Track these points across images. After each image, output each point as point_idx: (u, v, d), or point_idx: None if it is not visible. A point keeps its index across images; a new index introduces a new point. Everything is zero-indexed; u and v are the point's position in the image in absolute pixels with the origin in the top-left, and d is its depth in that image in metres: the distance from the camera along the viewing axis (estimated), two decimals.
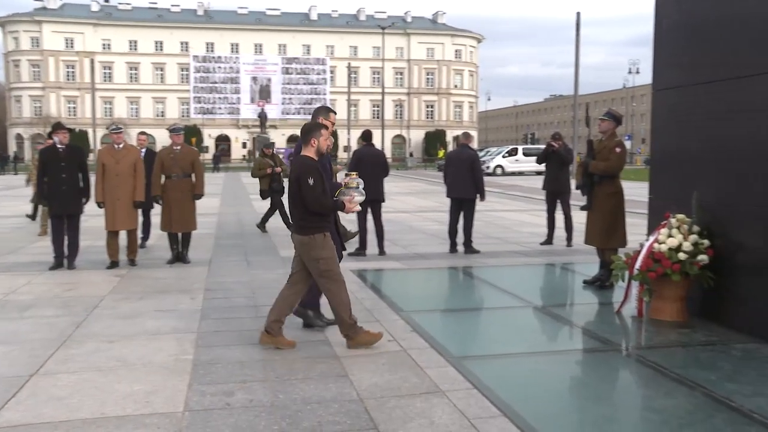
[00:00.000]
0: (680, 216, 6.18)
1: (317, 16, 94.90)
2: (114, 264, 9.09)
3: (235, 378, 4.64)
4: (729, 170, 5.97)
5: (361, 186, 5.49)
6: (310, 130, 5.38)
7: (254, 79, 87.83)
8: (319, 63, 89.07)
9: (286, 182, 11.04)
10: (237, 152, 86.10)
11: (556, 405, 4.32)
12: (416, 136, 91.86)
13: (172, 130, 9.39)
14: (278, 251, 10.67)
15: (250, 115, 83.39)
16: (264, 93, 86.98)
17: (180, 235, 9.51)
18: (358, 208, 5.46)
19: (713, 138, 6.17)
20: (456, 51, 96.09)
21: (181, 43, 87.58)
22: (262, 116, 62.20)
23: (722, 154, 6.06)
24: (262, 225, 13.46)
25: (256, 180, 13.68)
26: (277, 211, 13.25)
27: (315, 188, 5.20)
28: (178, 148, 9.35)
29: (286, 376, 4.69)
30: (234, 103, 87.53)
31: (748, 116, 5.74)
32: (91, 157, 48.07)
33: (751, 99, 5.71)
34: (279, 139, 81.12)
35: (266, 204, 13.79)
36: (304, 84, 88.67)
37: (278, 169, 13.30)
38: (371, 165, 9.93)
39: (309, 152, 5.35)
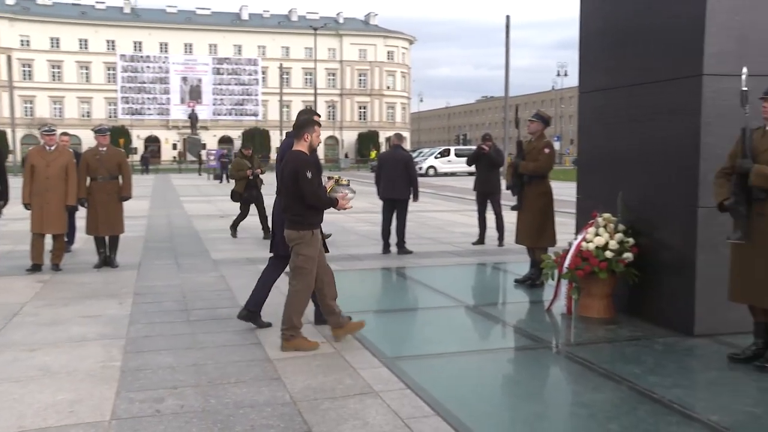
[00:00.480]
0: (606, 215, 6.36)
1: (248, 16, 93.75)
2: (36, 267, 8.76)
3: (166, 384, 4.53)
4: (651, 170, 6.18)
5: (352, 185, 5.60)
6: (303, 125, 5.39)
7: (184, 79, 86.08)
8: (250, 63, 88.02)
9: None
10: (167, 154, 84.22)
11: (489, 403, 4.38)
12: (349, 137, 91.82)
13: (98, 131, 9.12)
14: (210, 254, 10.49)
15: (181, 116, 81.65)
16: (194, 93, 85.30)
17: (107, 238, 9.24)
18: (351, 205, 5.54)
19: (636, 139, 6.38)
20: (388, 52, 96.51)
21: (107, 42, 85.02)
22: (193, 117, 61.06)
23: (645, 155, 6.27)
24: (233, 230, 12.83)
25: (190, 182, 13.41)
26: (244, 216, 12.70)
27: (313, 182, 5.22)
28: (104, 149, 9.09)
29: (219, 380, 4.61)
30: (164, 104, 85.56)
31: (667, 119, 5.96)
32: (11, 158, 46.23)
33: (668, 102, 5.93)
34: (210, 140, 79.72)
35: (203, 207, 13.54)
36: (236, 85, 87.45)
37: (258, 171, 12.65)
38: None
39: (302, 147, 5.37)
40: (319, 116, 5.64)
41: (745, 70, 4.87)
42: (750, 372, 4.80)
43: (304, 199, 5.22)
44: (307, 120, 5.44)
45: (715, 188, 5.05)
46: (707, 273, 5.63)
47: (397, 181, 10.34)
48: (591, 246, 6.18)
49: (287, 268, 5.77)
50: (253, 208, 12.64)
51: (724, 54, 5.56)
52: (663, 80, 6.01)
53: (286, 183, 5.34)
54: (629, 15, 6.45)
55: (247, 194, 12.66)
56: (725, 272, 5.11)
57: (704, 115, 5.56)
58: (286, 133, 6.25)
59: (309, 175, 5.19)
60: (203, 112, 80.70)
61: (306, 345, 5.34)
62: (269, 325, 5.97)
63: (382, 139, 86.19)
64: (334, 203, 5.40)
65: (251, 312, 6.03)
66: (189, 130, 65.09)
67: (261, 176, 12.85)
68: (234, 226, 12.83)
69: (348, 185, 5.55)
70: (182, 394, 4.34)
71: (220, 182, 35.41)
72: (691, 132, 5.65)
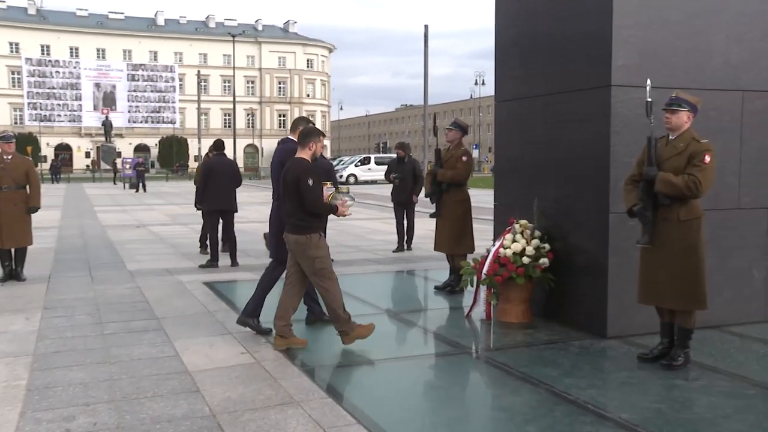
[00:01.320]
0: (523, 221, 6.52)
1: (164, 22, 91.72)
2: None
3: (77, 401, 4.35)
4: (565, 177, 6.38)
5: (351, 193, 5.85)
6: (309, 134, 5.54)
7: (97, 85, 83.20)
8: (167, 70, 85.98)
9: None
10: (80, 162, 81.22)
11: (410, 409, 4.40)
12: (269, 146, 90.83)
13: (2, 138, 8.69)
14: (126, 265, 10.17)
15: (94, 123, 78.79)
16: (108, 100, 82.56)
17: (13, 250, 8.82)
18: (350, 212, 5.70)
19: (550, 147, 6.57)
20: (308, 60, 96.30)
21: (11, 44, 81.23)
22: (107, 124, 59.23)
23: (558, 163, 6.46)
24: (203, 245, 11.44)
25: (104, 191, 12.91)
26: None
27: (315, 189, 5.38)
28: (9, 157, 8.68)
29: (134, 395, 4.47)
30: (75, 110, 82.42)
31: (578, 127, 6.17)
32: None
33: (580, 111, 6.14)
34: (126, 148, 77.51)
35: (118, 216, 13.07)
36: (152, 92, 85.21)
37: None
38: (221, 175, 9.78)
39: (305, 155, 5.50)
40: (324, 136, 5.80)
41: (649, 82, 5.09)
42: (657, 370, 5.01)
43: (304, 201, 5.36)
44: (313, 130, 5.62)
45: (624, 194, 5.26)
46: (618, 276, 5.84)
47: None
48: (508, 252, 6.31)
49: (284, 274, 5.92)
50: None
51: (630, 67, 5.81)
52: (575, 90, 6.22)
53: (289, 188, 5.45)
54: (543, 27, 6.64)
55: None
56: (635, 275, 5.32)
57: (613, 124, 5.78)
58: (282, 139, 6.34)
59: (310, 182, 5.35)
60: (118, 120, 78.25)
61: (364, 330, 5.61)
62: (269, 331, 5.92)
63: None
64: (333, 210, 5.53)
65: (248, 318, 6.07)
66: (103, 138, 63.02)
67: None
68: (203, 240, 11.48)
69: (348, 192, 5.77)
70: (95, 411, 4.18)
71: (137, 191, 34.45)
72: (602, 140, 5.86)
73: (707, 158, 4.85)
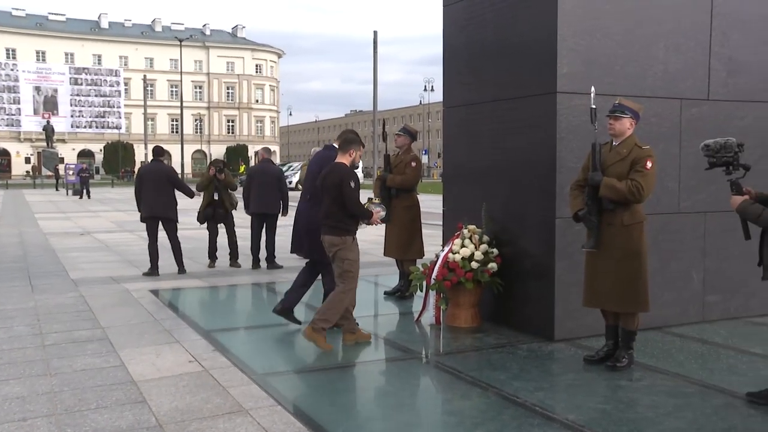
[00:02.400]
0: (471, 227, 6.58)
1: (108, 25, 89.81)
2: None
3: (13, 416, 4.19)
4: (512, 183, 6.46)
5: (383, 205, 6.47)
6: (351, 141, 5.85)
7: (37, 89, 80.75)
8: (112, 74, 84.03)
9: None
10: (19, 168, 78.83)
11: (360, 415, 4.39)
12: (217, 151, 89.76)
13: None
14: (68, 273, 9.91)
15: (34, 127, 76.44)
16: (50, 104, 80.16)
17: None
18: (381, 221, 6.13)
19: (498, 153, 6.65)
20: (257, 65, 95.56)
21: None
22: (48, 129, 57.56)
23: (506, 168, 6.54)
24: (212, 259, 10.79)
25: (46, 198, 12.48)
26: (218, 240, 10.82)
27: (355, 191, 5.70)
28: None
29: (76, 407, 4.34)
30: (13, 115, 79.79)
31: (525, 133, 6.26)
32: None
33: (526, 117, 6.24)
34: (69, 154, 75.52)
35: (61, 224, 12.70)
36: (96, 96, 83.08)
37: (222, 176, 10.45)
38: (152, 181, 9.57)
39: (345, 160, 5.81)
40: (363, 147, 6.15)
41: (593, 89, 5.21)
42: (602, 372, 5.11)
43: (345, 206, 5.63)
44: (355, 138, 5.93)
45: (570, 199, 5.35)
46: (565, 280, 5.95)
47: (268, 195, 10.21)
48: (457, 257, 6.36)
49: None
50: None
51: (574, 74, 5.93)
52: (521, 97, 6.32)
53: (329, 191, 5.72)
54: (490, 34, 6.73)
55: (211, 211, 10.61)
56: (581, 279, 5.43)
57: (559, 130, 5.89)
58: (325, 145, 6.75)
59: (352, 185, 5.66)
60: (60, 125, 76.08)
61: (323, 344, 5.70)
62: (299, 322, 6.29)
63: (251, 153, 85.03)
64: (369, 215, 5.86)
65: (285, 308, 6.43)
66: (44, 143, 61.26)
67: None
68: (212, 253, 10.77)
69: (380, 204, 6.38)
70: (33, 426, 4.04)
71: (80, 198, 33.62)
72: (548, 146, 5.97)
73: (649, 164, 4.98)
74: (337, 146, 6.01)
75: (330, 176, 5.75)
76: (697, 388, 4.79)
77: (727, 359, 5.53)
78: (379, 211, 6.10)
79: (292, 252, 6.81)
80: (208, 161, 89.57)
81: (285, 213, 10.47)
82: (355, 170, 5.88)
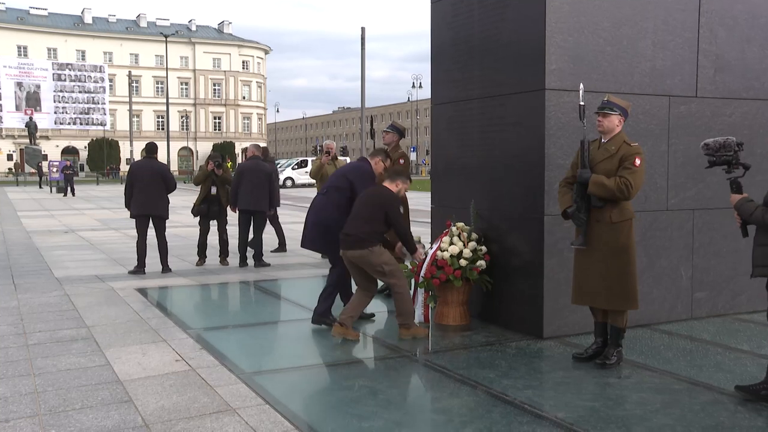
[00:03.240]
0: (460, 224, 6.58)
1: (92, 20, 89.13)
2: None
3: None
4: (501, 180, 6.48)
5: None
6: (400, 173, 6.22)
7: (19, 84, 79.73)
8: (96, 70, 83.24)
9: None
10: (1, 165, 78.15)
11: (349, 414, 4.39)
12: (204, 148, 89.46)
13: None
14: (52, 271, 9.84)
15: (17, 124, 75.62)
16: (32, 101, 79.26)
17: None
18: (421, 258, 6.35)
19: (486, 150, 6.66)
20: (243, 62, 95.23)
21: None
22: (31, 126, 57.16)
23: (494, 165, 6.56)
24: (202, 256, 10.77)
25: (29, 195, 12.36)
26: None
27: (402, 217, 6.10)
28: None
29: (61, 407, 4.31)
30: None
31: (514, 130, 6.27)
32: None
33: (515, 114, 6.25)
34: (52, 151, 75.04)
35: (45, 222, 12.59)
36: (80, 92, 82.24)
37: (220, 171, 10.34)
38: (145, 178, 9.50)
39: (392, 188, 6.07)
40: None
41: (582, 86, 5.22)
42: (591, 369, 5.14)
43: (380, 226, 5.88)
44: (405, 171, 6.37)
45: (559, 197, 5.37)
46: (554, 278, 5.97)
47: (257, 192, 10.17)
48: (446, 255, 6.37)
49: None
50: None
51: (562, 71, 5.95)
52: (510, 93, 6.33)
53: (369, 209, 5.91)
54: (478, 30, 6.73)
55: (206, 207, 10.47)
56: (570, 277, 5.45)
57: (547, 127, 5.90)
58: (360, 158, 6.94)
59: (401, 209, 6.05)
60: (43, 121, 75.33)
61: (420, 332, 6.10)
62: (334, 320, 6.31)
63: (238, 150, 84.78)
64: (414, 248, 6.11)
65: (321, 316, 6.50)
66: (27, 140, 60.82)
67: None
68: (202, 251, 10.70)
69: (419, 241, 6.50)
70: (15, 427, 4.01)
71: (64, 195, 33.39)
72: (536, 143, 5.98)
73: (638, 161, 5.00)
74: (369, 158, 6.50)
75: (374, 197, 5.99)
76: (685, 384, 4.82)
77: (715, 356, 5.57)
78: (422, 253, 6.31)
79: (302, 246, 6.78)
80: (195, 158, 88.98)
81: (272, 210, 10.43)
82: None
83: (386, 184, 6.13)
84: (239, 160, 72.12)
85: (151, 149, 9.95)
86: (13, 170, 67.23)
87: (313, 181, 11.34)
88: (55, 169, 40.62)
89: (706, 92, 6.70)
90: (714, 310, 6.86)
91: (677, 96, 6.55)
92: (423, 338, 6.06)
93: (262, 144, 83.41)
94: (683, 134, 6.60)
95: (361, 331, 6.31)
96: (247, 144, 12.18)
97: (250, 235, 10.43)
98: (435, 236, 7.09)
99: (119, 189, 12.22)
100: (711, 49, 6.70)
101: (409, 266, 6.74)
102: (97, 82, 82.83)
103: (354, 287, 6.35)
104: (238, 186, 10.25)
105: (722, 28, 6.75)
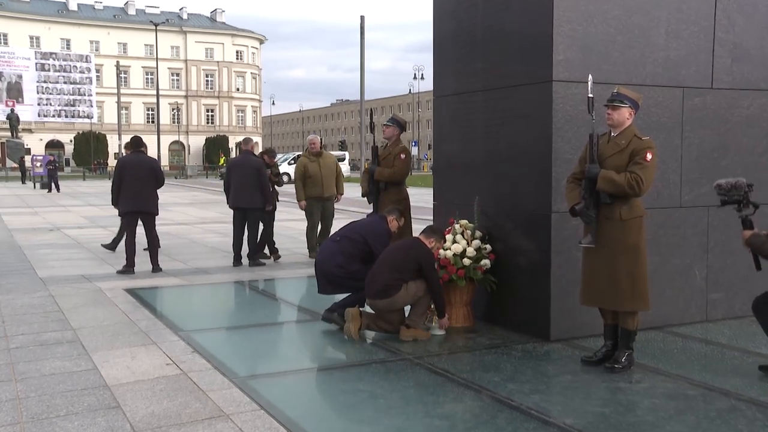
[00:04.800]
0: (463, 222, 6.60)
1: (77, 7, 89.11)
2: None
3: None
4: (506, 175, 6.49)
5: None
6: (437, 232, 6.36)
7: None
8: (82, 60, 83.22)
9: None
10: None
11: (348, 419, 4.41)
12: (196, 143, 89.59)
13: None
14: (36, 271, 9.86)
15: None
16: (14, 91, 78.96)
17: None
18: (446, 326, 6.35)
19: (491, 144, 6.67)
20: (237, 52, 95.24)
21: None
22: (13, 118, 57.08)
23: (499, 160, 6.57)
24: (273, 252, 11.08)
25: (11, 191, 12.36)
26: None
27: (437, 273, 6.16)
28: None
29: (44, 414, 4.32)
30: None
31: (520, 123, 6.28)
32: None
33: (521, 107, 6.26)
34: (36, 144, 75.07)
35: (28, 219, 12.61)
36: (65, 83, 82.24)
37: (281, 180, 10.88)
38: (136, 174, 9.52)
39: (427, 243, 6.20)
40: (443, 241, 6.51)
41: (591, 77, 5.23)
42: (600, 374, 5.15)
43: (430, 284, 6.02)
44: (440, 231, 6.43)
45: (567, 193, 5.38)
46: (561, 278, 5.98)
47: (245, 189, 10.18)
48: (449, 254, 6.38)
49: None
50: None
51: (571, 61, 5.96)
52: (515, 85, 6.34)
53: (400, 257, 6.06)
54: (482, 19, 6.74)
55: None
56: (578, 276, 5.46)
57: (555, 120, 5.91)
58: (378, 216, 7.06)
59: (436, 266, 6.18)
60: (26, 113, 75.07)
61: (423, 334, 6.16)
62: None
63: (231, 144, 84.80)
64: (444, 312, 6.17)
65: (331, 312, 6.52)
66: (8, 133, 60.75)
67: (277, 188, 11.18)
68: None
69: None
70: None
71: (49, 191, 33.42)
72: (543, 137, 5.99)
73: (649, 156, 5.01)
74: (388, 218, 6.71)
75: (413, 249, 6.14)
76: (700, 390, 4.83)
77: (732, 360, 5.59)
78: (447, 323, 6.32)
79: (319, 293, 6.78)
80: (187, 153, 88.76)
81: (269, 206, 10.42)
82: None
83: (422, 237, 6.25)
84: (233, 154, 72.08)
85: (137, 143, 9.96)
86: None
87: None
88: (38, 164, 40.65)
89: (722, 83, 6.71)
90: (730, 312, 6.88)
91: (691, 87, 6.55)
92: (425, 341, 6.07)
93: (255, 138, 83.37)
94: (698, 127, 6.60)
95: (361, 333, 6.32)
96: (241, 138, 12.12)
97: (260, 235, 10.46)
98: None
99: (107, 185, 12.29)
100: (728, 37, 6.70)
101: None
102: (83, 73, 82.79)
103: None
104: (229, 183, 10.35)
105: (740, 16, 6.74)
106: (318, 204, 10.99)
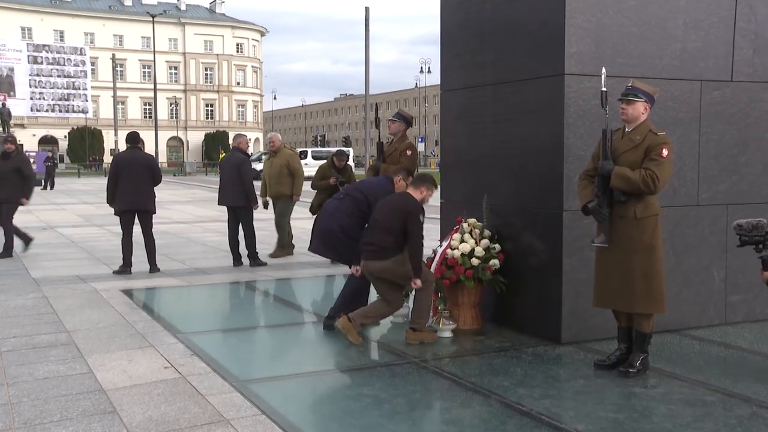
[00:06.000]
0: (472, 220, 6.60)
1: None
2: None
3: None
4: (515, 172, 6.48)
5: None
6: (427, 180, 6.22)
7: None
8: (76, 52, 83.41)
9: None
10: None
11: (352, 424, 4.41)
12: (195, 138, 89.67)
13: None
14: (29, 272, 9.89)
15: None
16: (5, 85, 79.09)
17: None
18: (417, 286, 6.08)
19: (500, 140, 6.67)
20: (237, 44, 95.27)
21: None
22: (4, 113, 57.07)
23: (509, 156, 6.57)
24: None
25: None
26: None
27: (422, 226, 5.99)
28: None
29: (37, 420, 4.34)
30: None
31: (530, 118, 6.28)
32: None
33: (532, 101, 6.26)
34: (29, 140, 75.14)
35: (21, 218, 12.61)
36: (59, 76, 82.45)
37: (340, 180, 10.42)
38: (133, 171, 9.55)
39: (416, 195, 6.12)
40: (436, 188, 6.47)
41: (604, 70, 5.22)
42: (614, 378, 5.15)
43: (410, 237, 5.89)
44: (433, 180, 6.28)
45: (579, 190, 5.37)
46: (573, 278, 5.98)
47: (228, 187, 10.26)
48: (456, 253, 6.38)
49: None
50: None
51: (583, 54, 5.95)
52: (526, 79, 6.33)
53: (390, 216, 5.98)
54: (491, 11, 6.73)
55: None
56: (590, 277, 5.45)
57: (566, 115, 5.90)
58: (384, 176, 7.03)
59: (422, 219, 5.99)
60: (18, 107, 75.18)
61: (428, 337, 6.15)
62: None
63: (231, 140, 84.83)
64: (420, 269, 5.97)
65: (330, 319, 6.46)
66: (0, 128, 60.98)
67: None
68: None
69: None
70: None
71: (44, 189, 33.51)
72: (554, 133, 5.98)
73: (665, 152, 5.00)
74: (394, 179, 6.53)
75: (395, 203, 6.06)
76: (719, 396, 4.82)
77: (753, 365, 5.58)
78: (419, 283, 6.07)
79: (309, 250, 6.82)
80: (185, 149, 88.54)
81: (252, 204, 10.39)
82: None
83: (410, 191, 6.18)
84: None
85: (134, 138, 9.98)
86: None
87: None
88: (32, 161, 40.75)
89: (742, 76, 6.68)
90: (750, 314, 6.86)
91: (710, 80, 6.53)
92: (431, 344, 6.07)
93: (256, 134, 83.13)
94: (716, 122, 6.58)
95: (365, 335, 6.32)
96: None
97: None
98: (445, 233, 7.10)
99: (102, 182, 12.36)
100: (750, 27, 6.67)
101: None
102: (78, 66, 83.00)
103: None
104: (221, 181, 10.60)
105: (763, 4, 6.71)
106: (276, 203, 11.32)
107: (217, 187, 10.83)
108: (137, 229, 9.69)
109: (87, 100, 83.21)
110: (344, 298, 6.58)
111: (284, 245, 11.35)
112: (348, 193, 6.65)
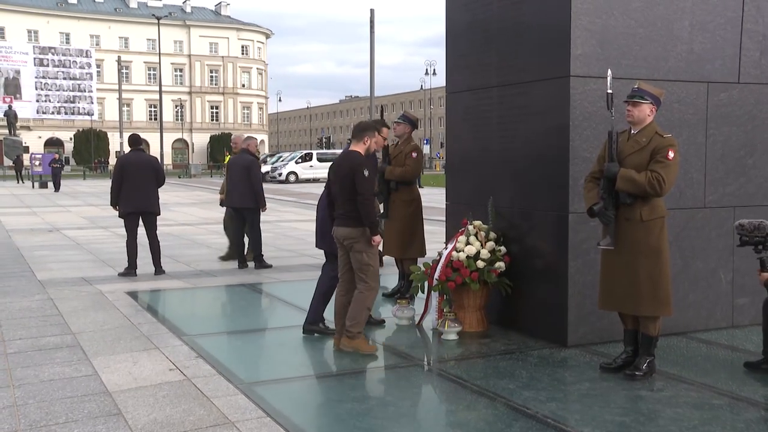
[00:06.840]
0: (477, 222, 6.60)
1: (77, 0, 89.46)
2: None
3: None
4: (521, 174, 6.48)
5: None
6: (366, 128, 5.96)
7: None
8: (82, 55, 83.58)
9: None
10: None
11: (357, 427, 4.41)
12: (200, 140, 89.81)
13: None
14: (35, 273, 9.92)
15: None
16: (12, 87, 79.41)
17: None
18: (379, 245, 5.94)
19: (505, 142, 6.67)
20: (242, 47, 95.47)
21: None
22: (10, 115, 57.37)
23: (514, 158, 6.56)
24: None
25: (8, 190, 12.41)
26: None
27: (371, 180, 5.76)
28: None
29: (43, 422, 4.36)
30: None
31: (536, 120, 6.28)
32: None
33: (537, 103, 6.26)
34: (35, 142, 75.48)
35: (26, 219, 12.68)
36: (65, 79, 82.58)
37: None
38: (137, 172, 9.58)
39: (359, 148, 5.88)
40: (388, 128, 6.21)
41: (610, 72, 5.22)
42: (620, 381, 5.14)
43: (359, 193, 5.64)
44: (369, 125, 6.07)
45: (585, 193, 5.37)
46: (579, 281, 5.97)
47: (236, 188, 10.24)
48: (462, 256, 6.38)
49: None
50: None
51: (589, 56, 5.95)
52: (531, 81, 6.33)
53: (342, 181, 5.77)
54: (497, 13, 6.73)
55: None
56: (596, 280, 5.45)
57: (572, 117, 5.90)
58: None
59: (366, 173, 5.70)
60: (24, 110, 75.52)
61: (365, 347, 5.84)
62: (332, 331, 6.22)
63: (231, 141, 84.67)
64: (375, 223, 5.72)
65: (311, 324, 6.46)
66: (6, 131, 61.11)
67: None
68: None
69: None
70: None
71: (55, 190, 33.61)
72: (560, 135, 5.98)
73: (671, 154, 5.00)
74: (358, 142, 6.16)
75: (341, 166, 5.85)
76: (727, 399, 4.81)
77: (761, 368, 5.54)
78: (379, 241, 5.88)
79: (316, 246, 6.78)
80: (190, 151, 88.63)
81: (262, 207, 10.41)
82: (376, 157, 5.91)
83: (353, 147, 5.93)
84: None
85: (136, 140, 10.04)
86: None
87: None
88: (38, 163, 40.87)
89: (749, 77, 6.67)
90: (758, 317, 6.78)
91: (717, 82, 6.52)
92: (368, 355, 5.85)
93: (262, 136, 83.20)
94: (723, 124, 6.57)
95: (370, 338, 6.33)
96: (246, 136, 11.94)
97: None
98: (450, 235, 7.11)
99: (107, 184, 12.47)
100: (757, 29, 6.66)
101: (423, 268, 6.75)
102: (83, 68, 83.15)
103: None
104: (227, 182, 10.55)
105: None
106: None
107: (219, 188, 10.83)
108: (142, 231, 9.72)
109: (92, 103, 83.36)
110: (317, 300, 6.53)
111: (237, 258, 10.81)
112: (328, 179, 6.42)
